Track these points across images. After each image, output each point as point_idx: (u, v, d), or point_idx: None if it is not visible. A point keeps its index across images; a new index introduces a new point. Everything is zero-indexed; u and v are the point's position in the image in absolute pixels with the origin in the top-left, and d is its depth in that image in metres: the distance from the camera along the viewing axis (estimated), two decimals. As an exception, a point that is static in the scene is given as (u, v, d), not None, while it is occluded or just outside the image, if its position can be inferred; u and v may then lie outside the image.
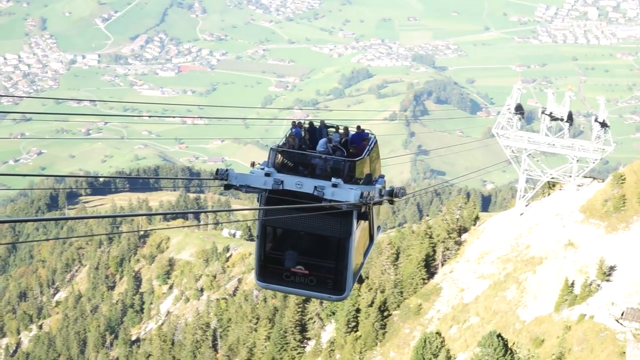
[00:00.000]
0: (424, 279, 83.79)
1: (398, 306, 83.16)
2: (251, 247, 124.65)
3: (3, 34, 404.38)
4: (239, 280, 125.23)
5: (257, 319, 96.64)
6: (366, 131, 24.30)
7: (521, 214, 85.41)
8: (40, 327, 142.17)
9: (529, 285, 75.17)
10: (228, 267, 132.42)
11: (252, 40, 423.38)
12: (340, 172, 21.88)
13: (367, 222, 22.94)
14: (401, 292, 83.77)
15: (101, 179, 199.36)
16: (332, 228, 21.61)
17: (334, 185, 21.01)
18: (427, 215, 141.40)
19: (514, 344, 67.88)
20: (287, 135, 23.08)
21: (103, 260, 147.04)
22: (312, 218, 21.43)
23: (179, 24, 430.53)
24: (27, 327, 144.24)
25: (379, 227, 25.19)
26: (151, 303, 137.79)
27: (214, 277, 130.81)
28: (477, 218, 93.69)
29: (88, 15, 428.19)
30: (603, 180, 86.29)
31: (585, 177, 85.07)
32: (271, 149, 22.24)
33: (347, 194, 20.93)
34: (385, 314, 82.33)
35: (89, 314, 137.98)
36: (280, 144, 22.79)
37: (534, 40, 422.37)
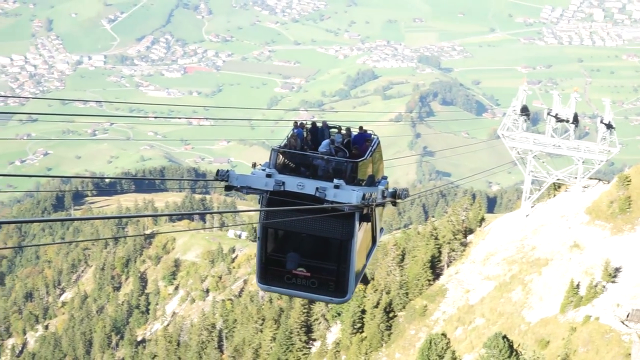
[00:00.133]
0: (429, 280, 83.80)
1: (403, 307, 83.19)
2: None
3: (10, 35, 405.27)
4: (245, 281, 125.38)
5: (263, 319, 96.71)
6: (369, 132, 24.11)
7: (527, 216, 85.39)
8: (46, 327, 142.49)
9: (534, 286, 75.14)
10: (234, 268, 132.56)
11: (258, 41, 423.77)
12: (342, 174, 21.64)
13: (369, 223, 22.73)
14: (407, 294, 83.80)
15: (107, 180, 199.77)
16: (334, 230, 21.38)
17: (336, 187, 20.80)
18: (433, 217, 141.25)
19: (519, 345, 67.87)
20: (289, 135, 22.86)
21: (109, 261, 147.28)
22: (314, 220, 21.24)
23: (184, 25, 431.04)
24: (33, 327, 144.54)
25: (381, 229, 24.96)
26: (157, 304, 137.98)
27: (220, 278, 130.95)
28: (482, 219, 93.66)
29: (94, 17, 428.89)
30: (608, 181, 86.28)
31: (591, 178, 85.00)
32: (272, 149, 22.06)
33: (349, 195, 20.72)
34: (391, 315, 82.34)
35: (95, 314, 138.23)
36: (282, 144, 22.59)
37: (540, 42, 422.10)
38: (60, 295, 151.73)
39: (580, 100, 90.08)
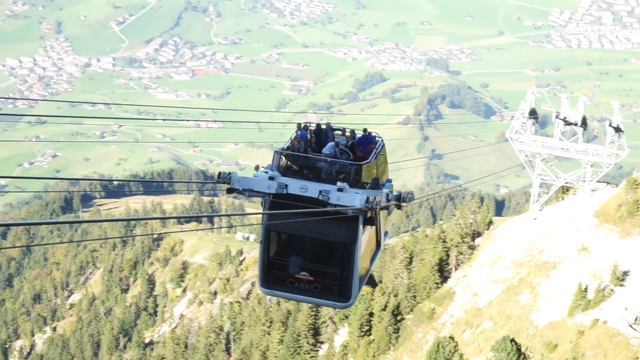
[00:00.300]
0: (437, 283, 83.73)
1: (411, 310, 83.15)
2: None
3: (19, 37, 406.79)
4: (253, 284, 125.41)
5: (271, 322, 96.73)
6: (373, 134, 23.89)
7: (535, 219, 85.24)
8: (54, 329, 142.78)
9: (542, 289, 75.02)
10: (241, 270, 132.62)
11: (267, 44, 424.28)
12: (346, 176, 21.41)
13: (373, 227, 22.49)
14: (414, 296, 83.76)
15: (115, 182, 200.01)
16: (337, 233, 21.16)
17: (340, 190, 20.54)
18: (441, 220, 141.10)
19: (527, 348, 67.83)
20: (292, 137, 22.69)
21: (117, 263, 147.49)
22: (317, 223, 20.98)
23: (193, 27, 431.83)
24: (41, 329, 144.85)
25: (386, 233, 24.78)
26: (165, 306, 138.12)
27: (228, 280, 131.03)
28: (490, 222, 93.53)
29: (103, 19, 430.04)
30: (617, 185, 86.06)
31: (599, 181, 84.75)
32: (275, 151, 21.84)
33: (352, 198, 20.48)
34: (399, 318, 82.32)
35: (103, 316, 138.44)
36: (285, 146, 22.41)
37: (548, 45, 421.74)
38: (68, 297, 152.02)
39: (589, 103, 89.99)
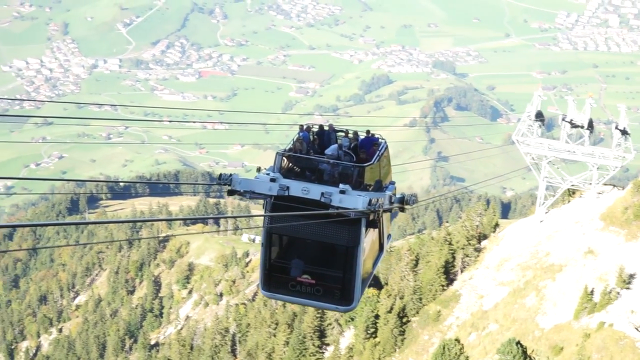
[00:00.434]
0: (443, 286, 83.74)
1: (417, 312, 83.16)
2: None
3: (26, 38, 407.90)
4: (258, 286, 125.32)
5: (276, 324, 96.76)
6: (376, 136, 23.69)
7: (541, 221, 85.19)
8: (60, 330, 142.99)
9: (548, 292, 74.98)
10: (247, 272, 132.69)
11: (273, 45, 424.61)
12: (348, 178, 21.22)
13: (376, 230, 22.32)
14: (420, 299, 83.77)
15: (121, 184, 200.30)
16: (339, 236, 20.94)
17: (342, 192, 20.31)
18: (447, 222, 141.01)
19: (533, 351, 67.80)
20: (295, 139, 22.50)
21: (123, 265, 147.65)
22: (319, 226, 20.73)
23: (200, 29, 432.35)
24: (47, 330, 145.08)
25: (389, 236, 24.51)
26: (170, 307, 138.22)
27: (233, 282, 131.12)
28: (496, 225, 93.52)
29: (110, 20, 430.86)
30: (623, 187, 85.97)
31: (606, 184, 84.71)
32: (277, 153, 21.68)
33: (355, 201, 20.27)
34: (404, 320, 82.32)
35: (109, 318, 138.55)
36: (287, 148, 22.21)
37: (555, 47, 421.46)
38: (75, 298, 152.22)
39: (595, 106, 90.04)
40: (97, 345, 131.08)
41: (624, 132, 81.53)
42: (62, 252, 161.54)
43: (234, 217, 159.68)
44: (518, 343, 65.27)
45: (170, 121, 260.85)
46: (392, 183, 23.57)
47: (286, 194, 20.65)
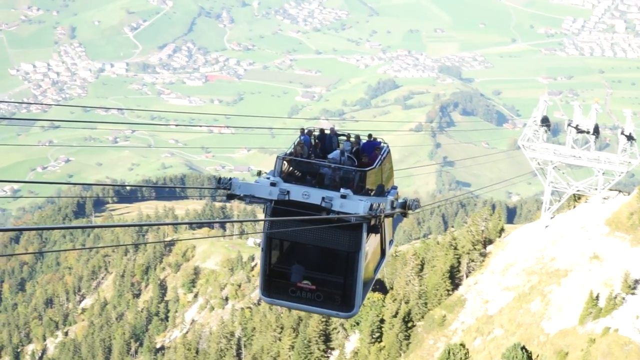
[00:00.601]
0: (448, 290, 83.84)
1: (422, 317, 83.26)
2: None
3: (33, 42, 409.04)
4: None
5: (282, 328, 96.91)
6: (378, 140, 23.43)
7: (546, 227, 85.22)
8: (66, 333, 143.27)
9: (553, 297, 75.03)
10: (253, 276, 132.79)
11: (279, 50, 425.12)
12: (349, 183, 21.04)
13: (378, 235, 22.01)
14: (425, 303, 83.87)
15: (128, 187, 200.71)
16: (340, 241, 20.71)
17: (343, 197, 20.15)
18: (452, 227, 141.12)
19: (538, 356, 67.83)
20: (296, 143, 22.20)
21: (129, 268, 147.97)
22: (320, 230, 20.53)
23: (206, 33, 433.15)
24: (53, 333, 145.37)
25: (391, 241, 24.23)
26: (176, 311, 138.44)
27: (239, 286, 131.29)
28: (502, 230, 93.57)
29: (117, 24, 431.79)
30: (629, 193, 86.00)
31: (611, 190, 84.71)
32: (277, 157, 21.46)
33: (356, 205, 20.10)
34: (410, 324, 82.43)
35: (115, 321, 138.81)
36: (288, 152, 21.95)
37: (561, 53, 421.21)
38: (80, 301, 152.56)
39: (601, 111, 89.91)
40: (103, 348, 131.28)
41: (629, 138, 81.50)
42: (68, 255, 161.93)
43: (236, 222, 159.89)
44: (523, 348, 65.27)
45: (176, 125, 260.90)
46: (394, 188, 23.31)
47: (286, 198, 20.49)
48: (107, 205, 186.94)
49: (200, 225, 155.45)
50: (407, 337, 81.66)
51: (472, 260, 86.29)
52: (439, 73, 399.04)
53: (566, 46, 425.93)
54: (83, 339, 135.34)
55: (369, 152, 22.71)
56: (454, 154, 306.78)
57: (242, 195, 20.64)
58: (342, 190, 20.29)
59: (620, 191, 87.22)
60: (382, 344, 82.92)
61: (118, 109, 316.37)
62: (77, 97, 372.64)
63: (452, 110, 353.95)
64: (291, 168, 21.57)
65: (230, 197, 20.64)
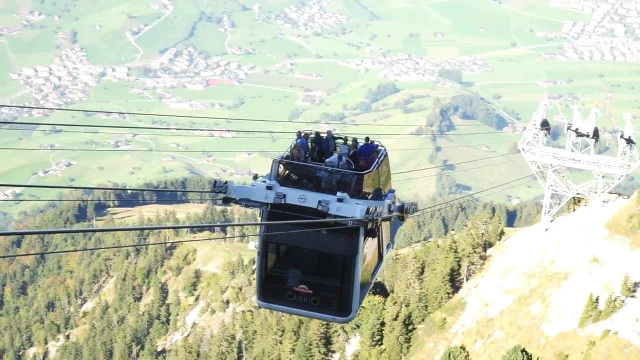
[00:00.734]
0: (449, 294, 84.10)
1: (423, 320, 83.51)
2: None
3: (35, 46, 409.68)
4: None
5: (283, 331, 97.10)
6: (376, 143, 23.19)
7: (546, 230, 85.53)
8: (68, 337, 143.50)
9: (553, 300, 75.29)
10: (254, 279, 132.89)
11: (280, 54, 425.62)
12: (346, 186, 20.72)
13: (375, 239, 21.81)
14: (426, 306, 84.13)
15: (129, 191, 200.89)
16: (337, 245, 20.41)
17: (340, 200, 19.87)
18: (453, 230, 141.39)
19: (538, 359, 68.04)
20: (292, 146, 22.03)
21: (130, 272, 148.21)
22: (317, 235, 20.31)
23: (208, 38, 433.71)
24: (54, 337, 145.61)
25: (389, 245, 23.96)
26: (177, 315, 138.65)
27: (240, 289, 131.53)
28: (502, 233, 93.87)
29: (118, 29, 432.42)
30: (628, 196, 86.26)
31: (611, 193, 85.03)
32: (274, 160, 21.16)
33: (353, 209, 19.82)
34: (410, 328, 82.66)
35: (116, 324, 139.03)
36: (285, 155, 21.74)
37: (561, 57, 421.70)
38: (82, 305, 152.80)
39: (601, 115, 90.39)
40: (105, 352, 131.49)
41: (629, 141, 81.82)
42: (69, 259, 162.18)
43: (237, 225, 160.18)
44: (523, 351, 65.44)
45: (178, 129, 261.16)
46: (392, 191, 23.05)
47: (283, 202, 20.26)
48: (109, 209, 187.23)
49: (202, 229, 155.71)
50: (408, 340, 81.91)
51: (473, 264, 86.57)
52: (440, 77, 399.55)
53: (566, 50, 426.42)
54: (85, 343, 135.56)
55: (366, 155, 22.51)
56: (454, 157, 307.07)
57: (238, 199, 20.43)
58: (339, 194, 20.06)
59: (620, 194, 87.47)
60: (383, 347, 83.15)
61: (119, 113, 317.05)
62: (78, 101, 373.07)
63: (453, 114, 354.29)
64: (288, 172, 21.36)
65: (226, 200, 20.40)
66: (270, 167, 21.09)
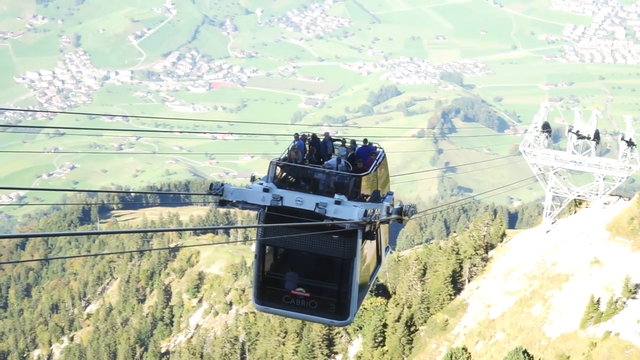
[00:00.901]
0: (450, 295, 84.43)
1: (425, 321, 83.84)
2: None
3: (38, 50, 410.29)
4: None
5: (285, 332, 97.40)
6: (374, 145, 22.95)
7: (547, 232, 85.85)
8: (72, 339, 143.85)
9: (555, 302, 75.62)
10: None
11: (283, 57, 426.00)
12: (344, 188, 20.42)
13: (373, 242, 21.50)
14: (428, 308, 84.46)
15: (132, 194, 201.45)
16: (335, 248, 20.13)
17: (337, 202, 19.58)
18: (454, 232, 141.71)
19: None
20: (289, 148, 21.91)
21: (134, 274, 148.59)
22: (314, 237, 20.07)
23: (210, 41, 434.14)
24: (58, 338, 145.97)
25: (387, 248, 23.76)
26: (181, 316, 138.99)
27: (243, 291, 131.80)
28: (503, 235, 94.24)
29: (121, 33, 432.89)
30: (629, 198, 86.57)
31: (612, 195, 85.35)
32: (271, 162, 21.04)
33: (350, 211, 19.51)
34: (412, 329, 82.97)
35: (120, 326, 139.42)
36: (282, 157, 21.59)
37: (562, 59, 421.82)
38: (86, 307, 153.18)
39: (602, 117, 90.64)
40: (108, 353, 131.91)
41: (630, 143, 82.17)
42: (73, 261, 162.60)
43: (240, 227, 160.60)
44: (525, 352, 65.90)
45: (180, 132, 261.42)
46: (390, 193, 22.87)
47: (280, 204, 20.02)
48: (112, 212, 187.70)
49: (205, 231, 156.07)
50: (410, 342, 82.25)
51: (474, 265, 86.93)
52: (441, 80, 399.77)
53: (567, 53, 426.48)
54: (88, 344, 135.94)
55: (364, 157, 22.30)
56: (455, 159, 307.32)
57: (234, 201, 20.16)
58: (336, 196, 19.75)
59: (620, 196, 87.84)
60: (385, 348, 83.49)
61: (123, 116, 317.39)
62: (82, 104, 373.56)
63: (454, 117, 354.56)
64: (285, 173, 21.14)
65: (223, 203, 20.17)
66: (267, 169, 20.99)
